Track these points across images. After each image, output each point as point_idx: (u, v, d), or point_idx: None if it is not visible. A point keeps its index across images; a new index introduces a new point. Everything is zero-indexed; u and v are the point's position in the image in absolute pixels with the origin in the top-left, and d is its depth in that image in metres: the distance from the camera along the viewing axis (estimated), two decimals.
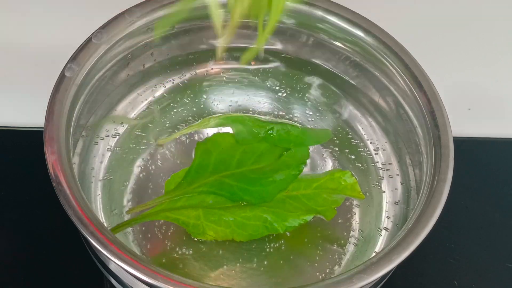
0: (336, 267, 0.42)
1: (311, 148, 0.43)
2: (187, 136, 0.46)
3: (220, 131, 0.43)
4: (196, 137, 0.46)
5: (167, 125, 0.46)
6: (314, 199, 0.42)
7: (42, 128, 0.37)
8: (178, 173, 0.43)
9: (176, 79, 0.47)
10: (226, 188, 0.41)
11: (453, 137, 0.39)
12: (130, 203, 0.43)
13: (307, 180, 0.42)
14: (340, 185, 0.42)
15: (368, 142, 0.46)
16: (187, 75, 0.48)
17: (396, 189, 0.44)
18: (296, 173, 0.42)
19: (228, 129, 0.43)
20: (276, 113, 0.48)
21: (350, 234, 0.43)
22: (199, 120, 0.46)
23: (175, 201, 0.41)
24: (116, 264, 0.33)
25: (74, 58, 0.40)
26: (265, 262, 0.41)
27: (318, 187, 0.42)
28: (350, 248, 0.43)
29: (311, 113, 0.47)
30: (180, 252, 0.41)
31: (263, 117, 0.43)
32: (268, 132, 0.42)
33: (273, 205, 0.41)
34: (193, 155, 0.44)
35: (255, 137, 0.42)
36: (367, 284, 0.34)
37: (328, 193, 0.42)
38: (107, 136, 0.45)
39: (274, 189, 0.41)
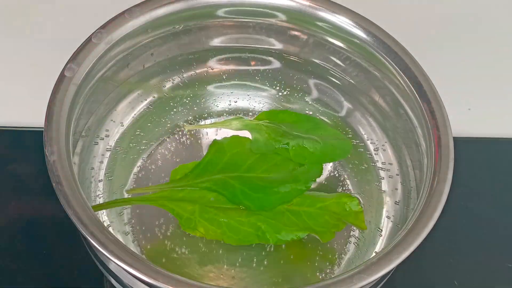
0: (336, 267, 0.42)
1: None
2: (187, 136, 0.46)
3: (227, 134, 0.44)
4: (196, 139, 0.46)
5: (168, 125, 0.46)
6: (315, 218, 0.41)
7: (42, 128, 0.37)
8: (187, 165, 0.43)
9: (176, 79, 0.47)
10: (229, 188, 0.41)
11: (453, 137, 0.39)
12: None
13: (312, 198, 0.42)
14: (344, 211, 0.41)
15: (368, 142, 0.46)
16: (187, 75, 0.48)
17: (396, 189, 0.44)
18: (303, 189, 0.42)
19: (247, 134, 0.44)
20: None
21: (350, 234, 0.43)
22: (222, 119, 0.47)
23: (177, 192, 0.41)
24: (116, 264, 0.33)
25: (74, 58, 0.40)
26: (265, 262, 0.41)
27: (322, 208, 0.41)
28: (350, 248, 0.43)
29: (311, 113, 0.47)
30: (180, 252, 0.41)
31: (284, 128, 0.44)
32: (283, 146, 0.42)
33: (270, 216, 0.41)
34: (194, 155, 0.45)
35: (269, 149, 0.42)
36: (367, 284, 0.34)
37: (331, 216, 0.41)
38: (107, 136, 0.45)
39: (276, 200, 0.41)
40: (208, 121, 0.47)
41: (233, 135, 0.44)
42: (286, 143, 0.43)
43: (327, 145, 0.44)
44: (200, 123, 0.47)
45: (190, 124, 0.47)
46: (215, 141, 0.43)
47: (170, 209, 0.41)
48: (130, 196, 0.43)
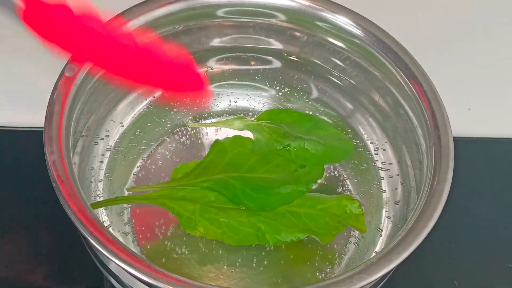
0: (336, 267, 0.42)
1: None
2: (187, 137, 0.46)
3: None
4: (197, 139, 0.46)
5: (168, 125, 0.46)
6: (316, 220, 0.41)
7: (42, 128, 0.37)
8: (188, 164, 0.43)
9: None
10: (230, 188, 0.41)
11: (453, 137, 0.39)
12: (130, 203, 0.43)
13: (313, 199, 0.42)
14: (344, 213, 0.41)
15: (368, 142, 0.46)
16: None
17: (396, 189, 0.44)
18: (304, 190, 0.42)
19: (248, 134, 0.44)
20: None
21: (350, 234, 0.43)
22: (224, 119, 0.47)
23: (178, 190, 0.41)
24: (116, 264, 0.33)
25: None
26: (265, 262, 0.41)
27: (323, 210, 0.41)
28: (350, 248, 0.43)
29: (311, 113, 0.47)
30: (180, 252, 0.41)
31: (286, 129, 0.44)
32: (285, 147, 0.42)
33: (271, 217, 0.41)
34: (194, 155, 0.44)
35: (271, 150, 0.42)
36: (367, 284, 0.34)
37: (332, 218, 0.41)
38: (107, 136, 0.45)
39: (277, 201, 0.41)
40: (208, 121, 0.47)
41: (235, 135, 0.44)
42: (287, 144, 0.43)
43: (328, 146, 0.44)
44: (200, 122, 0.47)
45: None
46: (217, 141, 0.43)
47: (170, 208, 0.41)
48: (130, 194, 0.43)
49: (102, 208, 0.42)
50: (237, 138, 0.44)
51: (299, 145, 0.43)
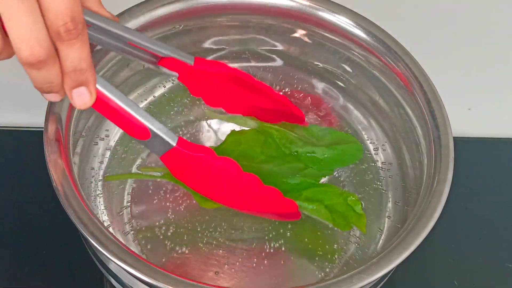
0: (336, 266, 0.42)
1: None
2: (188, 136, 0.46)
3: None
4: (197, 139, 0.46)
5: (168, 125, 0.46)
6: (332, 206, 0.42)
7: (42, 128, 0.37)
8: None
9: (176, 79, 0.47)
10: None
11: (453, 137, 0.39)
12: (130, 203, 0.43)
13: (320, 194, 0.43)
14: (350, 212, 0.42)
15: (368, 142, 0.46)
16: None
17: (396, 189, 0.44)
18: (313, 182, 0.42)
19: None
20: None
21: (351, 234, 0.43)
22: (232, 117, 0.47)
23: None
24: (116, 264, 0.33)
25: None
26: (265, 262, 0.41)
27: (328, 206, 0.42)
28: (351, 247, 0.43)
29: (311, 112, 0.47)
30: (180, 252, 0.41)
31: (294, 134, 0.44)
32: (293, 153, 0.42)
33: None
34: None
35: (279, 155, 0.43)
36: (367, 284, 0.34)
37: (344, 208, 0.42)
38: (107, 136, 0.45)
39: (285, 191, 0.41)
40: (208, 121, 0.47)
41: (252, 129, 0.44)
42: (295, 151, 0.43)
43: (337, 150, 0.44)
44: (200, 122, 0.47)
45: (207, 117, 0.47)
46: (233, 131, 0.43)
47: (185, 186, 0.41)
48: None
49: (102, 208, 0.42)
50: (253, 131, 0.43)
51: (306, 152, 0.43)
